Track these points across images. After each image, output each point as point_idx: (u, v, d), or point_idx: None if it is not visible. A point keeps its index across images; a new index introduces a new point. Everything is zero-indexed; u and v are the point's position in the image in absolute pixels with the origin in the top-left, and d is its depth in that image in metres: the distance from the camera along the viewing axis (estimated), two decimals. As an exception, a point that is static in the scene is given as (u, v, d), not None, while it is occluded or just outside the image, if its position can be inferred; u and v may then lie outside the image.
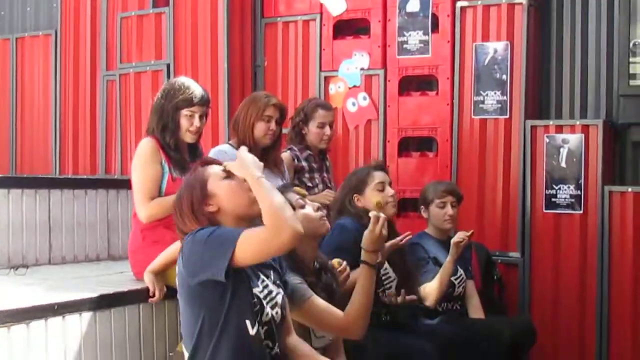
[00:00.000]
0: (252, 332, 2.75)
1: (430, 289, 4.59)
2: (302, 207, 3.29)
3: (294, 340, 3.03)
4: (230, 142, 4.79)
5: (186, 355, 2.85)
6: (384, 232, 3.25)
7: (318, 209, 3.32)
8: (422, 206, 4.99)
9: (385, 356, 3.93)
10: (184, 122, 4.31)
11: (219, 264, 2.64)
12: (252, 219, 2.81)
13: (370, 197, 4.28)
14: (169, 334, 4.09)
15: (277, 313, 2.86)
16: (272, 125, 4.67)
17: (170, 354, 4.04)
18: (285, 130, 5.30)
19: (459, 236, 4.65)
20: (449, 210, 4.87)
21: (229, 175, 2.86)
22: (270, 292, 2.83)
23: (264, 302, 2.77)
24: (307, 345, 3.08)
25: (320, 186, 5.15)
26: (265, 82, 6.67)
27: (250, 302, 2.73)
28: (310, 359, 3.03)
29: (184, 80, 4.44)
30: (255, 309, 2.74)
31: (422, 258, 4.76)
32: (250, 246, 2.64)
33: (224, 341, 2.73)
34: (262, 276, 2.83)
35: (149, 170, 4.24)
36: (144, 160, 4.26)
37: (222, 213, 2.79)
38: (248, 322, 2.74)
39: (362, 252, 3.24)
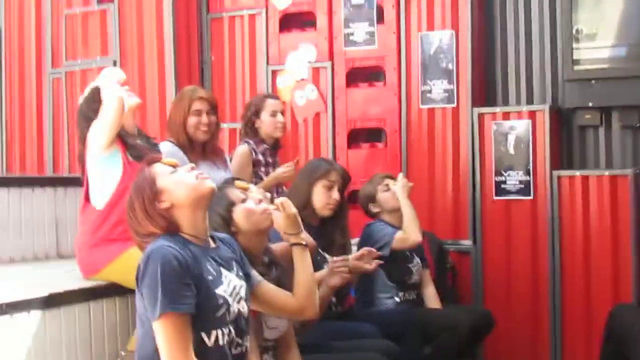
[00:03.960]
0: (209, 343, 2.70)
1: (406, 229, 4.70)
2: (244, 201, 3.27)
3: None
4: (170, 139, 4.71)
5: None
6: (294, 210, 3.24)
7: (260, 202, 3.29)
8: (369, 205, 4.97)
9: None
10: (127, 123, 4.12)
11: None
12: (205, 201, 2.78)
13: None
14: (121, 332, 4.02)
15: (243, 307, 2.83)
16: (203, 118, 4.55)
17: (122, 352, 4.01)
18: (231, 125, 5.22)
19: (405, 181, 4.83)
20: (393, 188, 4.90)
21: (174, 168, 2.83)
22: (234, 287, 2.79)
23: (230, 300, 2.74)
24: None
25: (274, 181, 5.14)
26: (213, 77, 6.65)
27: (214, 307, 2.68)
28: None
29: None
30: (221, 312, 2.70)
31: (380, 229, 4.81)
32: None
33: None
34: (224, 272, 2.79)
35: None
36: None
37: (176, 208, 2.73)
38: (204, 335, 2.70)
39: (288, 237, 3.24)
